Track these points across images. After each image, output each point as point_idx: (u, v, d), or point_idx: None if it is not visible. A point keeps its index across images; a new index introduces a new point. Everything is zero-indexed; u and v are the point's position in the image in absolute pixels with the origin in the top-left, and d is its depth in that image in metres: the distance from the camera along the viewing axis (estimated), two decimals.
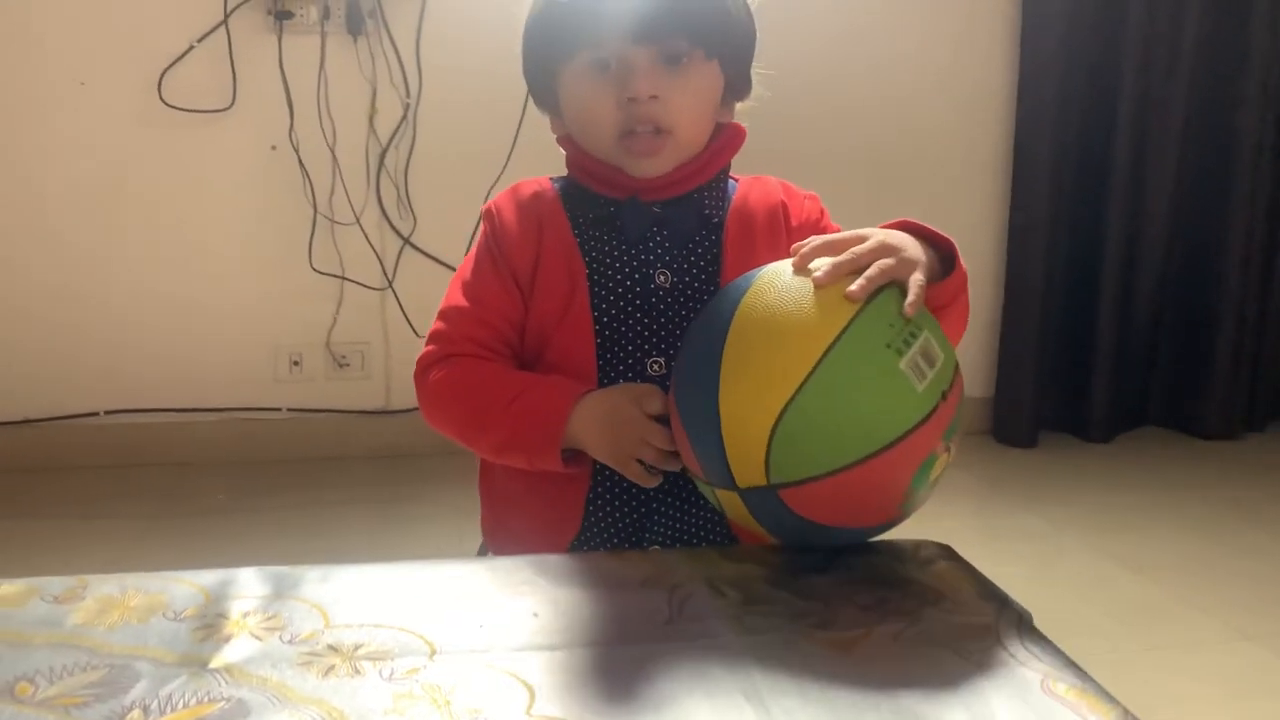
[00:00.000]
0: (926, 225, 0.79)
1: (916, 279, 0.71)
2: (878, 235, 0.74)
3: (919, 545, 0.75)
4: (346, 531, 2.06)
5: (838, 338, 0.68)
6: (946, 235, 0.78)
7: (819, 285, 0.70)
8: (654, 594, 0.68)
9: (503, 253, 0.89)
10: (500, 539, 0.95)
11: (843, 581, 0.69)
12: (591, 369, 0.86)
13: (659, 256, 0.87)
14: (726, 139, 0.90)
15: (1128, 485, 2.38)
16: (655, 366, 0.86)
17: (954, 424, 0.70)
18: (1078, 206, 2.64)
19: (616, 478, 0.85)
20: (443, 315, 0.90)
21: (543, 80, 0.91)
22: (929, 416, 0.67)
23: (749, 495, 0.71)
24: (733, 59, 0.88)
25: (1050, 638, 0.63)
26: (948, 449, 0.70)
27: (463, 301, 0.89)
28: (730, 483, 0.71)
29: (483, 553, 1.92)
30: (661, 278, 0.86)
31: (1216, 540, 2.04)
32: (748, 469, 0.70)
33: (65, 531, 2.06)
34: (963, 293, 0.80)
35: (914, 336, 0.69)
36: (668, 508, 0.87)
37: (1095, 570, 1.91)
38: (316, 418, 2.48)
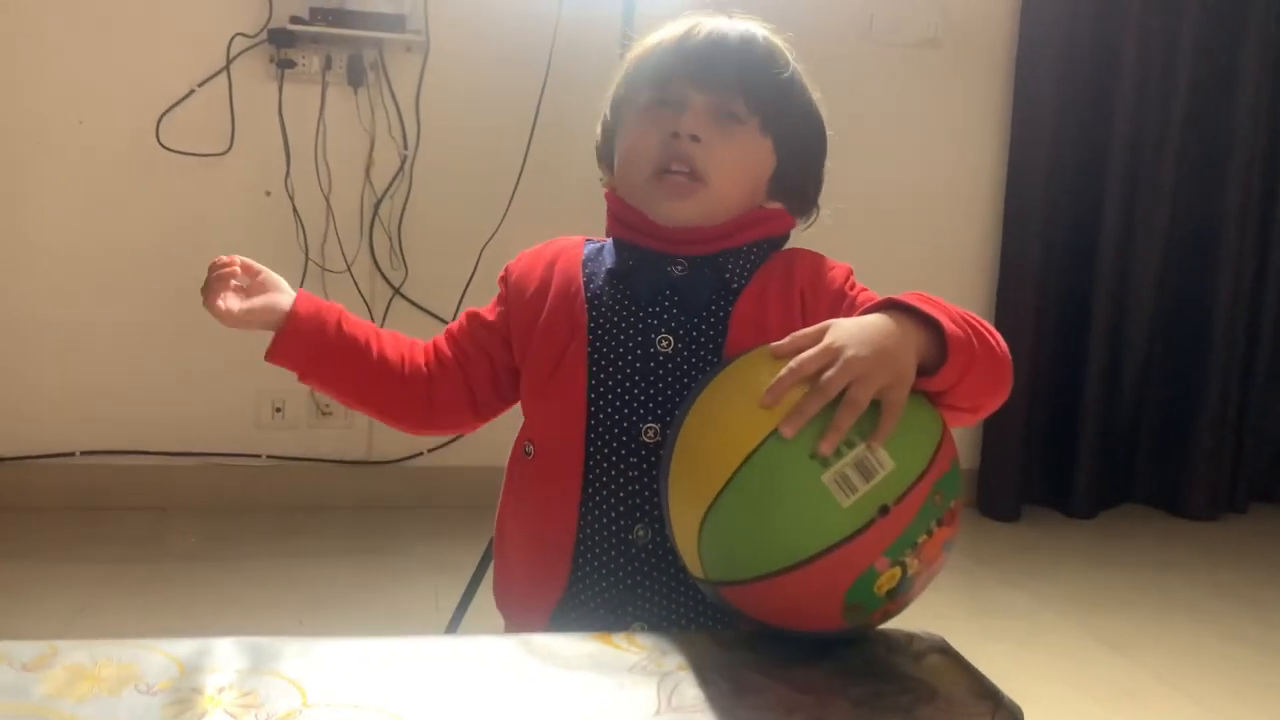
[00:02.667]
0: (916, 299, 0.72)
1: (892, 402, 0.65)
2: (849, 349, 0.66)
3: (913, 637, 0.74)
4: (323, 584, 2.02)
5: (760, 444, 0.65)
6: (934, 312, 0.71)
7: (763, 406, 0.66)
8: (643, 681, 0.66)
9: (509, 300, 0.93)
10: (502, 593, 0.94)
11: (835, 673, 0.68)
12: (579, 426, 0.85)
13: (664, 321, 0.86)
14: (765, 216, 0.90)
15: (1111, 563, 2.38)
16: (650, 433, 0.84)
17: (907, 538, 0.65)
18: (1064, 285, 2.67)
19: (603, 541, 0.85)
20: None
21: (608, 131, 0.94)
22: (859, 532, 0.63)
23: (702, 585, 0.72)
24: (789, 146, 0.89)
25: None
26: (900, 564, 0.65)
27: (452, 329, 0.97)
28: (687, 570, 0.72)
29: (458, 614, 1.88)
30: (664, 343, 0.85)
31: (1199, 622, 2.04)
32: (691, 561, 0.70)
33: (34, 573, 2.01)
34: (972, 366, 0.71)
35: (848, 446, 0.64)
36: (654, 581, 0.85)
37: (1078, 650, 1.89)
38: (297, 466, 2.45)
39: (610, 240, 0.93)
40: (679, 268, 0.87)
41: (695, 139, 0.85)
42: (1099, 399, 2.67)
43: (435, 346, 0.96)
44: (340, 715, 0.60)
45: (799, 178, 0.91)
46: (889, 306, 0.72)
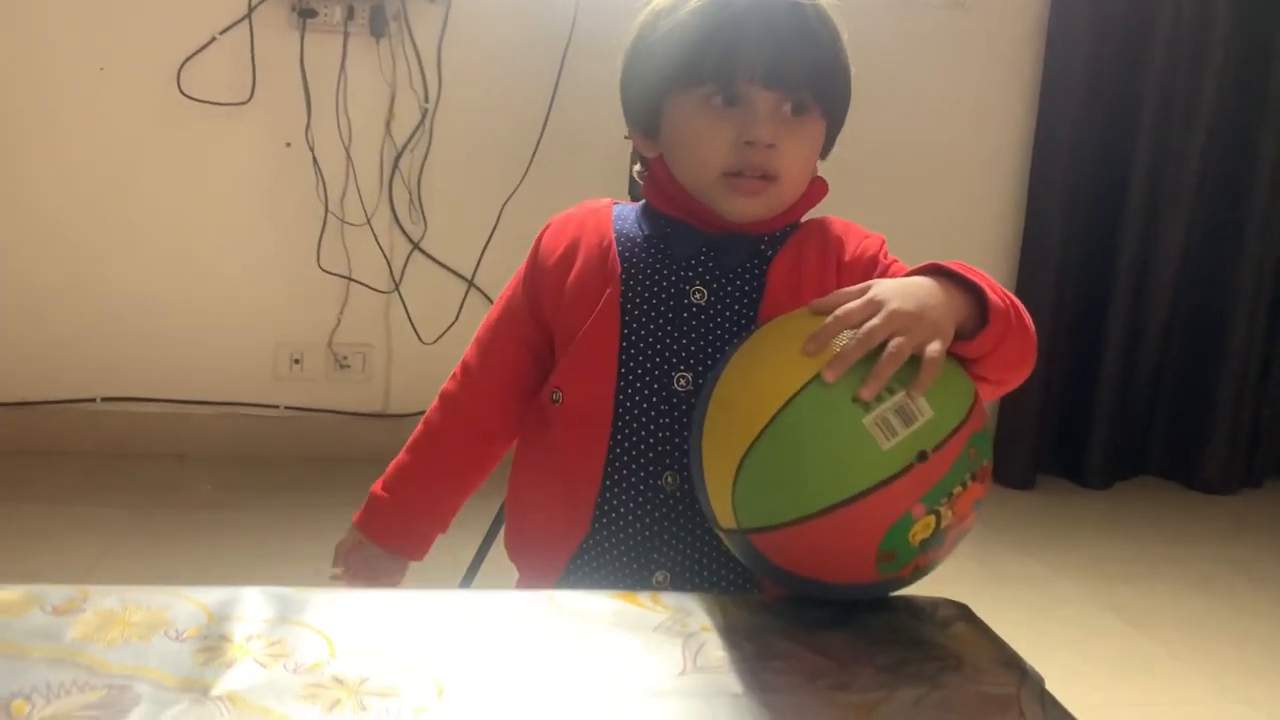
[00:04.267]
0: (959, 267, 0.73)
1: (933, 353, 0.67)
2: (891, 302, 0.69)
3: (936, 604, 0.74)
4: (338, 533, 2.03)
5: (803, 387, 0.67)
6: (977, 280, 0.73)
7: (806, 353, 0.68)
8: (668, 641, 0.66)
9: (538, 271, 0.91)
10: (516, 542, 0.95)
11: (860, 640, 0.68)
12: (611, 374, 0.84)
13: (699, 274, 0.86)
14: (812, 193, 0.88)
15: (1125, 534, 2.38)
16: (682, 381, 0.84)
17: (943, 486, 0.66)
18: (1085, 254, 2.64)
19: (630, 488, 0.85)
20: (474, 343, 0.97)
21: (646, 100, 0.88)
22: (898, 475, 0.65)
23: (729, 536, 0.72)
24: (836, 117, 0.88)
25: (1051, 691, 0.62)
26: (935, 512, 0.66)
27: (491, 325, 0.95)
28: (715, 522, 0.72)
29: (473, 568, 1.90)
30: (698, 295, 0.85)
31: (1214, 597, 2.03)
32: (722, 511, 0.70)
33: (57, 518, 2.03)
34: (1007, 336, 0.73)
35: (890, 392, 0.66)
36: (679, 528, 0.85)
37: (1092, 621, 1.90)
38: (314, 417, 2.47)
39: (640, 205, 0.92)
40: (711, 233, 0.87)
41: (770, 146, 0.82)
42: (1117, 369, 2.65)
43: (472, 384, 0.96)
44: (368, 668, 0.61)
45: (834, 138, 0.90)
46: (932, 270, 0.74)
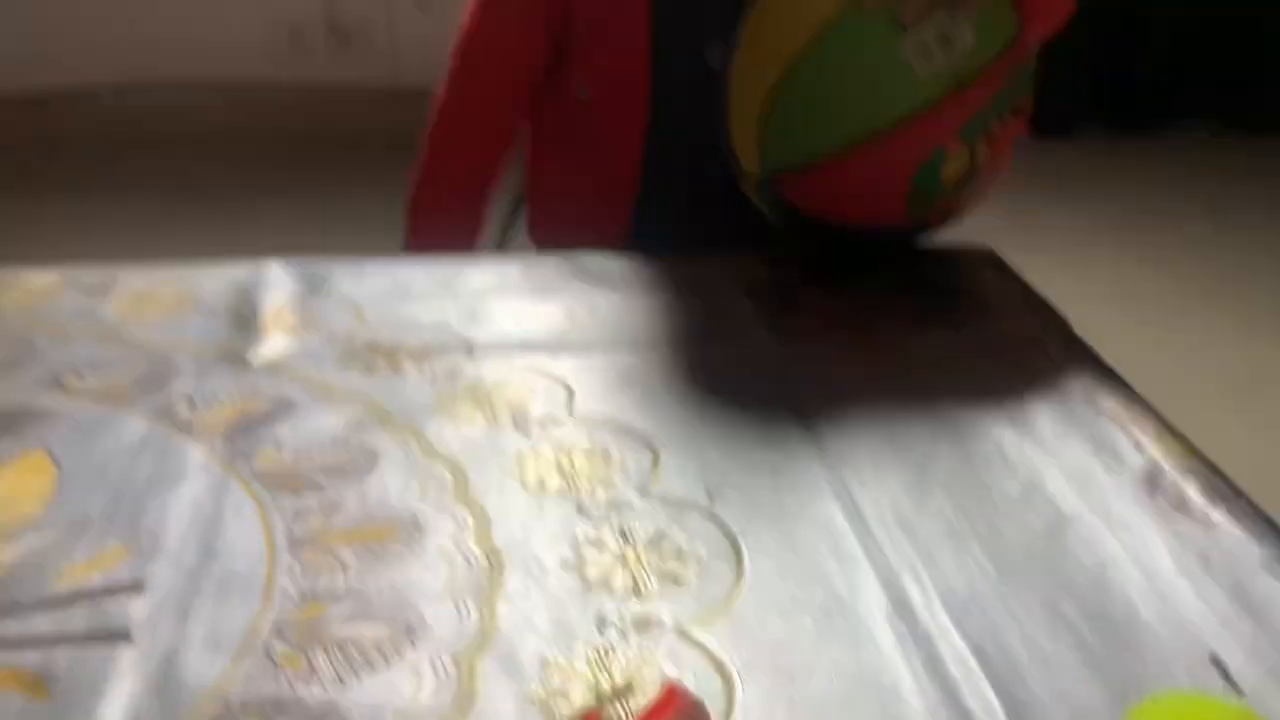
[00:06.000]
0: None
1: None
2: None
3: (964, 252, 0.73)
4: (355, 217, 2.03)
5: (839, 12, 0.62)
6: None
7: None
8: (691, 299, 0.66)
9: None
10: (551, 222, 0.90)
11: (885, 289, 0.68)
12: (644, 62, 0.79)
13: None
14: None
15: (1163, 181, 2.32)
16: (716, 57, 0.78)
17: (980, 119, 0.63)
18: None
19: (669, 179, 0.81)
20: (461, 50, 0.82)
21: None
22: (935, 105, 0.61)
23: (756, 187, 0.69)
24: None
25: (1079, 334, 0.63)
26: (971, 147, 0.63)
27: (480, 34, 0.82)
28: (741, 173, 0.69)
29: (505, 228, 1.89)
30: None
31: (1252, 240, 2.01)
32: (748, 154, 0.68)
33: (76, 209, 2.03)
34: None
35: (936, 4, 0.61)
36: (724, 216, 0.82)
37: (1125, 267, 1.90)
38: (318, 96, 2.38)
39: None
40: None
41: None
42: (1162, 8, 2.45)
43: (503, 100, 0.84)
44: (399, 334, 0.62)
45: None
46: None
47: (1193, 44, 2.54)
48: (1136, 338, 1.67)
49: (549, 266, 0.70)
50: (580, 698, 0.38)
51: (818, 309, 0.66)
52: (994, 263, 0.72)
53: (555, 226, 0.90)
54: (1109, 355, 0.61)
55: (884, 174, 0.64)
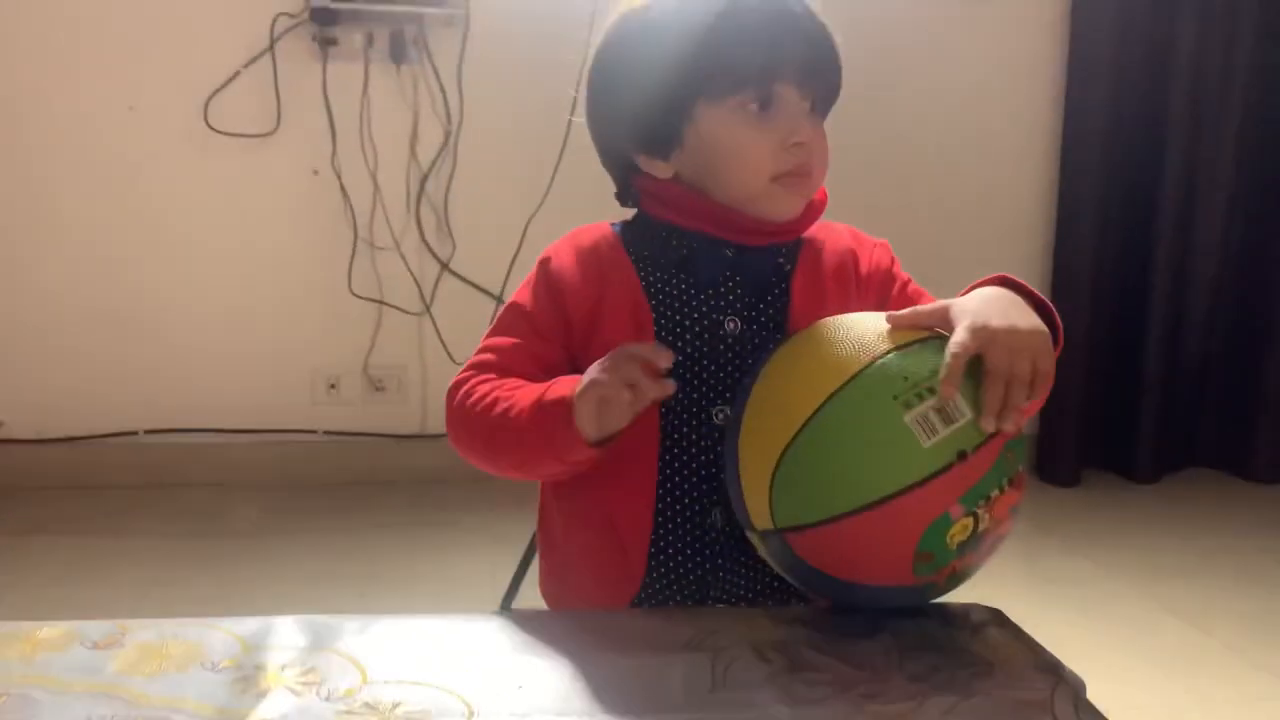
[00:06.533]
0: (1025, 284, 0.76)
1: (1046, 374, 0.70)
2: (999, 338, 0.68)
3: (969, 609, 0.73)
4: (381, 557, 2.06)
5: (844, 384, 0.68)
6: (1043, 298, 0.76)
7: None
8: (697, 658, 0.66)
9: (560, 294, 0.85)
10: (559, 595, 0.91)
11: (891, 648, 0.67)
12: (654, 413, 0.82)
13: (730, 304, 0.84)
14: (818, 197, 0.88)
15: (1175, 529, 2.32)
16: (720, 415, 0.82)
17: (981, 488, 0.66)
18: (1124, 242, 2.59)
19: (679, 529, 0.83)
20: (485, 348, 0.86)
21: (667, 119, 0.84)
22: (937, 474, 0.65)
23: (764, 539, 0.72)
24: (827, 114, 0.88)
25: (1103, 693, 0.61)
26: (974, 514, 0.66)
27: (509, 337, 0.86)
28: (750, 524, 0.72)
29: (513, 587, 1.89)
30: (731, 324, 0.84)
31: (1270, 589, 1.98)
32: (759, 511, 0.70)
33: (101, 550, 2.07)
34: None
35: (931, 392, 0.66)
36: (732, 562, 0.83)
37: (1143, 618, 1.86)
38: (352, 441, 2.49)
39: (637, 222, 0.89)
40: (730, 250, 0.86)
41: (804, 143, 0.83)
42: (1161, 358, 2.60)
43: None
44: (400, 693, 0.61)
45: None
46: (1003, 283, 0.76)
47: (1192, 394, 2.66)
48: (1160, 691, 1.60)
49: (552, 624, 0.70)
50: None
51: (825, 669, 0.65)
52: (999, 621, 0.72)
53: (572, 589, 0.89)
54: (1131, 704, 0.59)
55: (890, 538, 0.67)
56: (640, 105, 0.84)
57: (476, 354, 0.86)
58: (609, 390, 0.73)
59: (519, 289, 0.89)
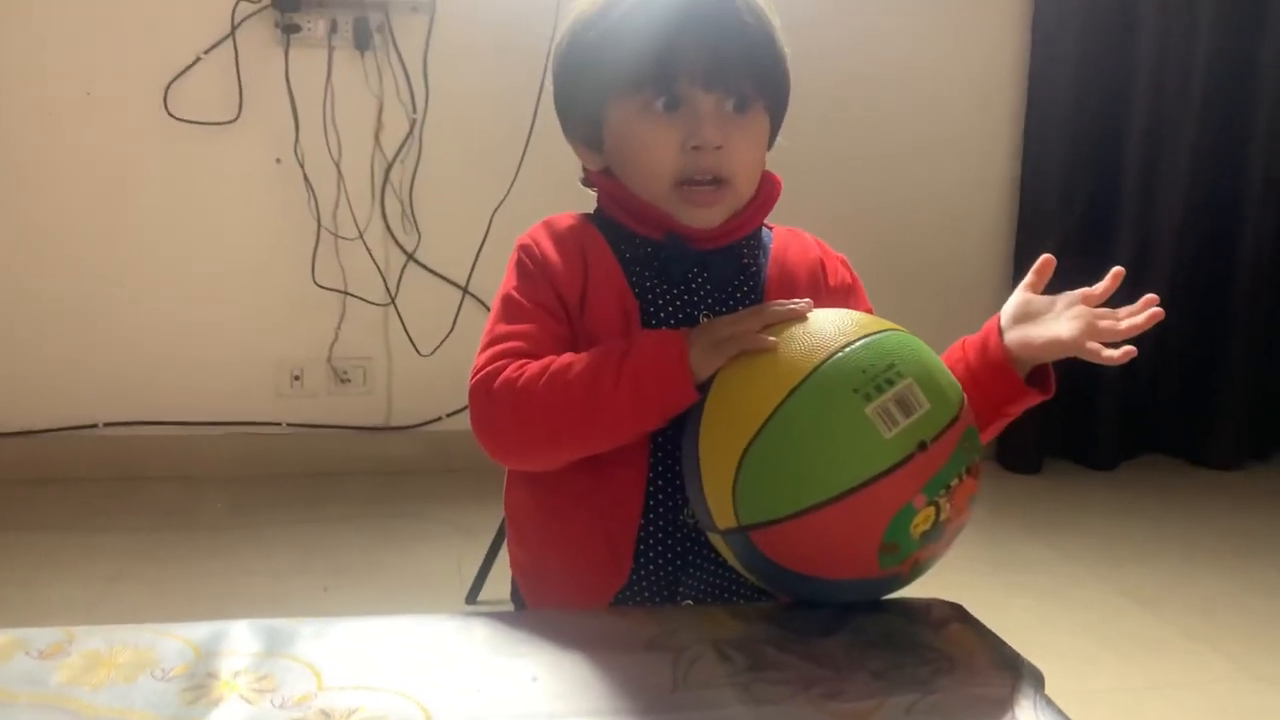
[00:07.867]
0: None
1: None
2: None
3: (930, 605, 0.73)
4: (347, 549, 2.04)
5: (803, 380, 0.68)
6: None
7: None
8: (658, 657, 0.65)
9: (547, 278, 0.84)
10: (537, 590, 0.89)
11: (853, 645, 0.67)
12: None
13: (702, 299, 0.84)
14: (768, 191, 0.88)
15: (1134, 514, 2.36)
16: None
17: (942, 478, 0.67)
18: (1084, 231, 2.62)
19: (665, 525, 0.82)
20: (503, 336, 0.82)
21: (584, 110, 0.86)
22: (899, 465, 0.66)
23: (728, 537, 0.71)
24: (778, 111, 0.87)
25: (1062, 677, 0.61)
26: (935, 504, 0.67)
27: (523, 323, 0.82)
28: (713, 525, 0.72)
29: (479, 579, 1.88)
30: (705, 320, 0.83)
31: (1226, 574, 2.02)
32: (722, 510, 0.70)
33: (67, 544, 2.04)
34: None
35: (889, 384, 0.67)
36: (704, 560, 0.83)
37: (1102, 604, 1.88)
38: (317, 433, 2.47)
39: (599, 217, 0.89)
40: (693, 245, 0.85)
41: (718, 148, 0.81)
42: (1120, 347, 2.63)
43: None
44: (356, 699, 0.60)
45: (778, 129, 0.89)
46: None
47: (1150, 382, 2.69)
48: (1118, 675, 1.63)
49: (511, 625, 0.70)
50: None
51: (787, 668, 0.65)
52: (960, 616, 0.72)
53: (552, 584, 0.87)
54: (1091, 690, 0.59)
55: (855, 530, 0.67)
56: (569, 94, 0.88)
57: (492, 345, 0.81)
58: (743, 336, 0.71)
59: (505, 281, 0.86)
